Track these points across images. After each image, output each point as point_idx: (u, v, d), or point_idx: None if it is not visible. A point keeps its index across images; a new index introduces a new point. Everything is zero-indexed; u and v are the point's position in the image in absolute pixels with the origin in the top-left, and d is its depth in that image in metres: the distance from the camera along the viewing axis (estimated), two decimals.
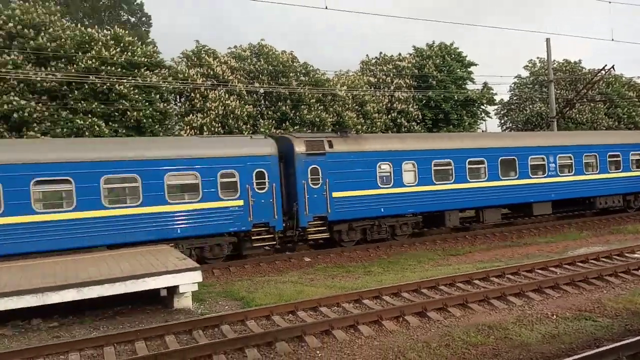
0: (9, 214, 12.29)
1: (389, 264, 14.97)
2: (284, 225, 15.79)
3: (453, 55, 32.28)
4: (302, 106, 26.48)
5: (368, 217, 17.18)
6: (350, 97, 28.37)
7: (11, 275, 10.00)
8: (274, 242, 15.93)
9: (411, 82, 30.78)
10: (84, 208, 13.02)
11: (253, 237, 15.45)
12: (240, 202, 14.93)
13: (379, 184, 17.07)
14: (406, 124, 29.29)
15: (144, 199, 13.68)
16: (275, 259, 15.77)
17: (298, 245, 17.16)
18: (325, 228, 16.55)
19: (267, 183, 15.35)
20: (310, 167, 15.99)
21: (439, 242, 18.30)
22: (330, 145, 16.45)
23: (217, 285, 12.81)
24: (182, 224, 14.20)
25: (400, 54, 32.07)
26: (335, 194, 16.28)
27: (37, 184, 12.69)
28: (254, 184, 15.14)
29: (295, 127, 25.91)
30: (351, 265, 15.27)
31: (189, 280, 9.91)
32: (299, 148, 15.96)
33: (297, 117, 26.36)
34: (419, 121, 30.28)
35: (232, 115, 24.48)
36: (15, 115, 19.91)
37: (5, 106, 19.74)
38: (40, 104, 20.62)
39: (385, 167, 17.23)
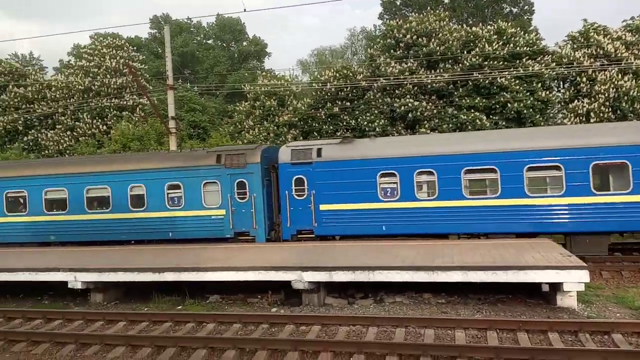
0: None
1: None
2: None
3: None
4: None
5: None
6: None
7: (408, 252, 11.69)
8: None
9: None
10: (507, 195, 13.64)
11: None
12: None
13: None
14: None
15: None
16: None
17: None
18: None
19: None
20: None
21: None
22: None
23: (605, 288, 11.57)
24: None
25: None
26: None
27: (466, 173, 13.88)
28: None
29: None
30: None
31: (574, 279, 9.30)
32: None
33: None
34: None
35: (626, 98, 21.35)
36: (410, 115, 23.06)
37: (403, 107, 23.09)
38: (429, 104, 23.21)
39: None
